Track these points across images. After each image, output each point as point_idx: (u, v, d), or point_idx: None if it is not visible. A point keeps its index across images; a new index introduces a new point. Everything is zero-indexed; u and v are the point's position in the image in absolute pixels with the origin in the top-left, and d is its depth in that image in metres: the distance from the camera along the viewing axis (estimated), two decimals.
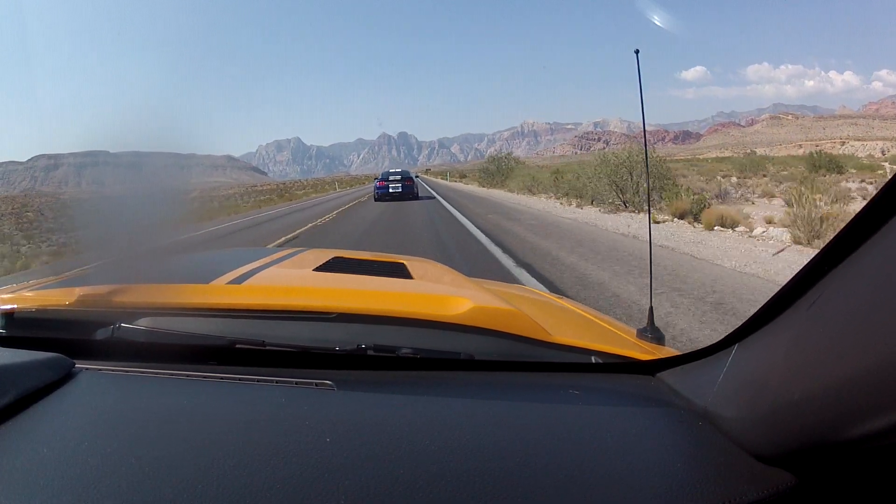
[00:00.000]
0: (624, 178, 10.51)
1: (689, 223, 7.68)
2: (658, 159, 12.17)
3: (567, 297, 1.46)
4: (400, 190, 17.17)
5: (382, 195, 17.22)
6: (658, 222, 7.76)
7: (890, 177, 0.35)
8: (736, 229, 6.76)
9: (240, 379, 0.65)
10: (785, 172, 21.63)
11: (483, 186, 25.86)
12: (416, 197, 17.35)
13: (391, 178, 17.71)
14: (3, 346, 0.68)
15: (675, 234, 6.53)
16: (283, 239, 8.12)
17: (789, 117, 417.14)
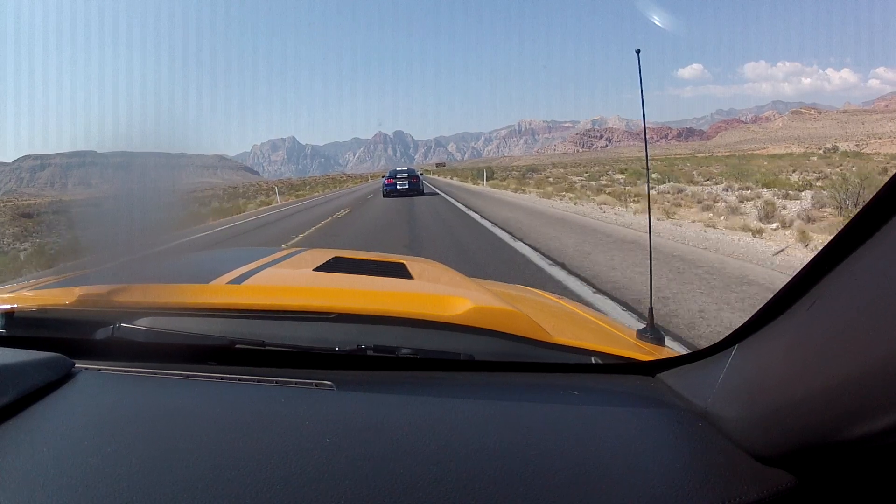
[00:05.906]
0: None
1: None
2: None
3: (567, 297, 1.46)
4: (407, 186, 18.78)
5: (390, 191, 18.69)
6: None
7: (891, 176, 0.35)
8: None
9: (239, 379, 0.65)
10: None
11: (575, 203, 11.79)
12: (420, 193, 18.79)
13: (398, 175, 19.31)
14: (3, 346, 0.68)
15: None
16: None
17: (811, 112, 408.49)
